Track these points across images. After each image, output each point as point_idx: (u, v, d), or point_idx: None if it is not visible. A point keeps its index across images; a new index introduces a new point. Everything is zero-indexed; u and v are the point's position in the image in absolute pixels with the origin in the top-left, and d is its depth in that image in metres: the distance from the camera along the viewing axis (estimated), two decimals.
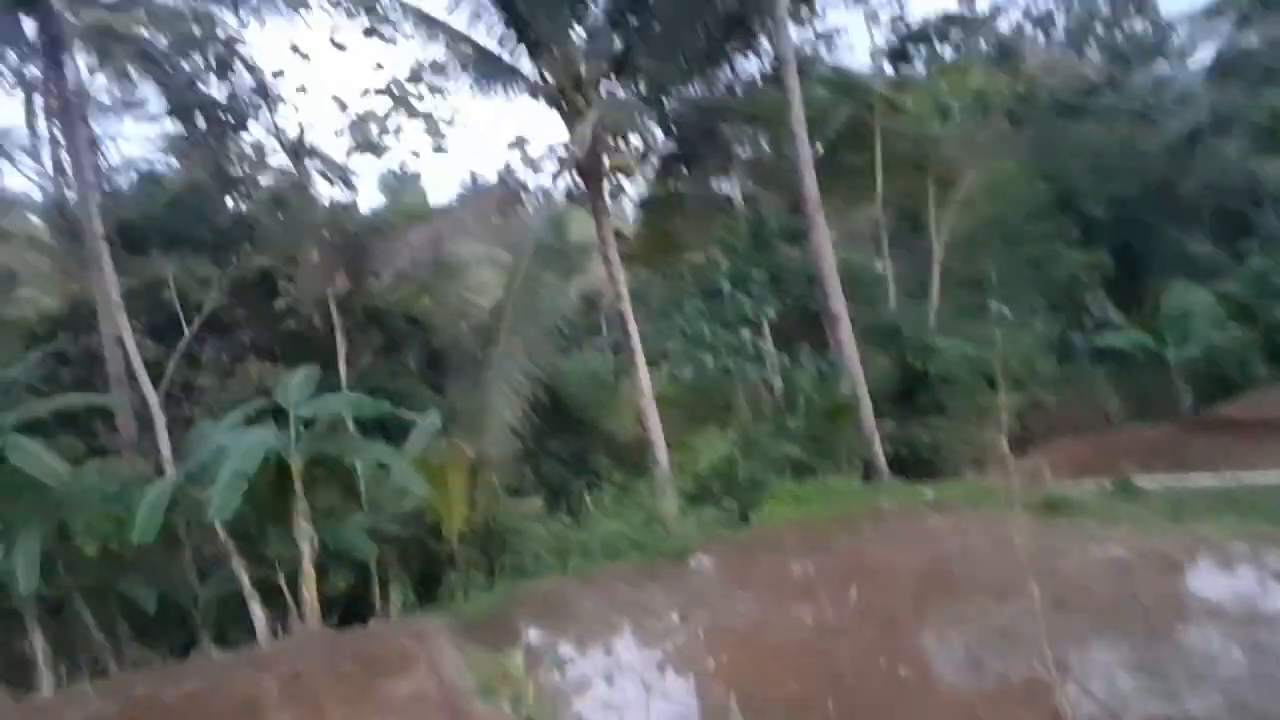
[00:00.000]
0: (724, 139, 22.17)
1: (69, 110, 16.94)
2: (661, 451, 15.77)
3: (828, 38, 24.24)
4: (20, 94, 18.75)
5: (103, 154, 20.11)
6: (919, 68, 25.21)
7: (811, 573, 11.45)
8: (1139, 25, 28.72)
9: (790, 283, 19.84)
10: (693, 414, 16.96)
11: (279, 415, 13.74)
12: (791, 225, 20.39)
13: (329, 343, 18.45)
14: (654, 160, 22.53)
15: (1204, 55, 28.43)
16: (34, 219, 21.86)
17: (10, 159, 19.37)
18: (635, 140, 21.06)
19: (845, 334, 17.15)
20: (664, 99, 21.01)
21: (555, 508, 15.57)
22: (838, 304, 17.42)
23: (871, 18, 24.68)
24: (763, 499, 14.57)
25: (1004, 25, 27.11)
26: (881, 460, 16.20)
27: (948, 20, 25.30)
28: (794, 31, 20.92)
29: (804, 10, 22.56)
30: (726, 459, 15.45)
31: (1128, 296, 24.15)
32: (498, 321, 17.17)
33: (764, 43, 20.66)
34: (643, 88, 19.54)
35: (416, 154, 23.95)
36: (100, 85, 19.90)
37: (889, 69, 25.03)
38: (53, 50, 16.28)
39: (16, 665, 12.59)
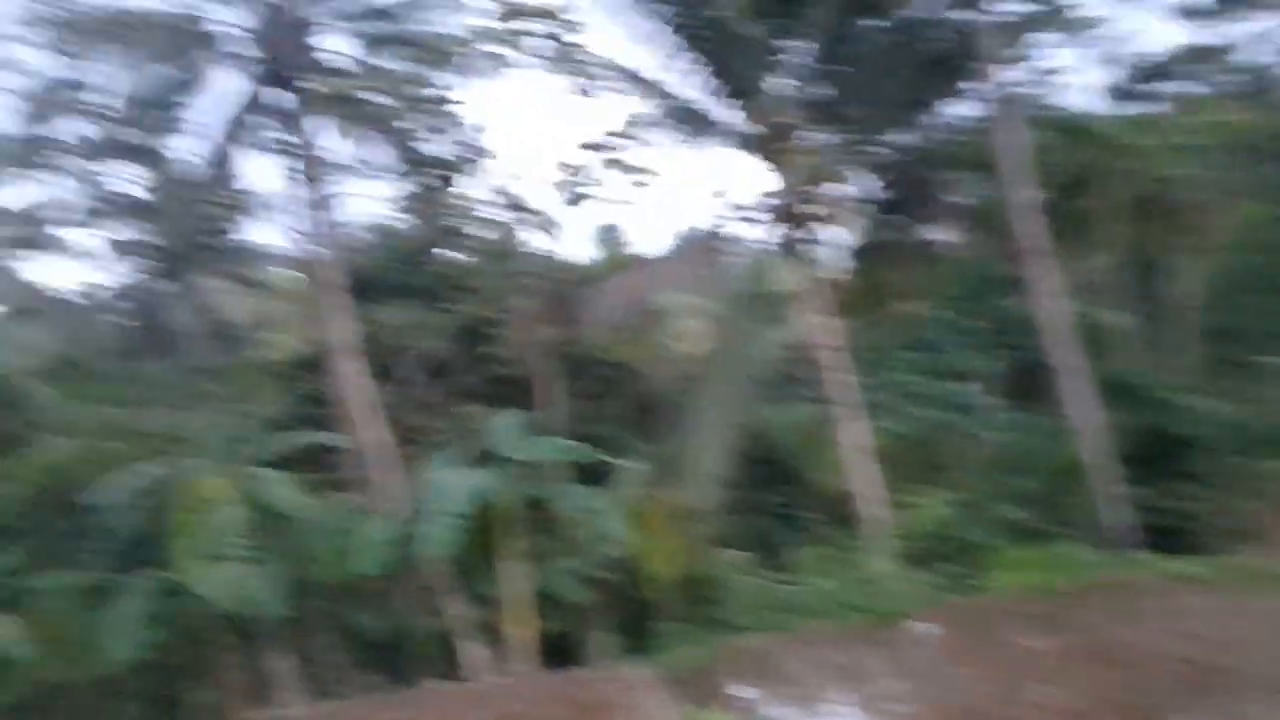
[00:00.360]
0: (935, 185, 21.40)
1: (314, 171, 18.42)
2: (873, 507, 15.11)
3: (1048, 76, 22.99)
4: (277, 159, 20.63)
5: (342, 210, 21.74)
6: (1157, 104, 23.42)
7: (1046, 650, 10.50)
8: None
9: (1010, 334, 18.73)
10: (905, 469, 16.16)
11: (492, 457, 14.22)
12: (1010, 273, 19.33)
13: (539, 388, 19.01)
14: (862, 208, 22.02)
15: None
16: (288, 271, 23.84)
17: (268, 219, 21.19)
18: (842, 187, 20.65)
19: (1075, 389, 15.97)
20: (872, 145, 20.55)
21: (762, 561, 15.18)
22: (1065, 357, 16.30)
23: (1100, 53, 23.22)
24: (984, 564, 13.61)
25: (1257, 56, 24.76)
26: (1121, 529, 14.80)
27: (1191, 53, 23.43)
28: (1009, 71, 19.99)
29: (1019, 49, 21.52)
30: (943, 519, 14.59)
31: None
32: (704, 370, 17.13)
33: (978, 85, 19.89)
34: (849, 134, 19.22)
35: (623, 205, 24.41)
36: (340, 147, 21.59)
37: (1121, 107, 23.40)
38: (301, 118, 17.83)
39: (259, 685, 13.46)
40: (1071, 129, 21.31)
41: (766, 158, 17.25)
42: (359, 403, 16.77)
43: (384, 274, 21.79)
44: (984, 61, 18.03)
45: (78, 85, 17.11)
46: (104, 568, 14.40)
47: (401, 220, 24.27)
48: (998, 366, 17.78)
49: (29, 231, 19.86)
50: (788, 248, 18.16)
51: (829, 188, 19.44)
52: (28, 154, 17.20)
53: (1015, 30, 19.61)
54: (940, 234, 22.56)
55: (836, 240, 22.86)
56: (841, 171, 19.67)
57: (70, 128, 17.22)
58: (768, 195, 18.02)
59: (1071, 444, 15.49)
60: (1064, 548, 13.57)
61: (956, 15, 18.68)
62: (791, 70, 17.90)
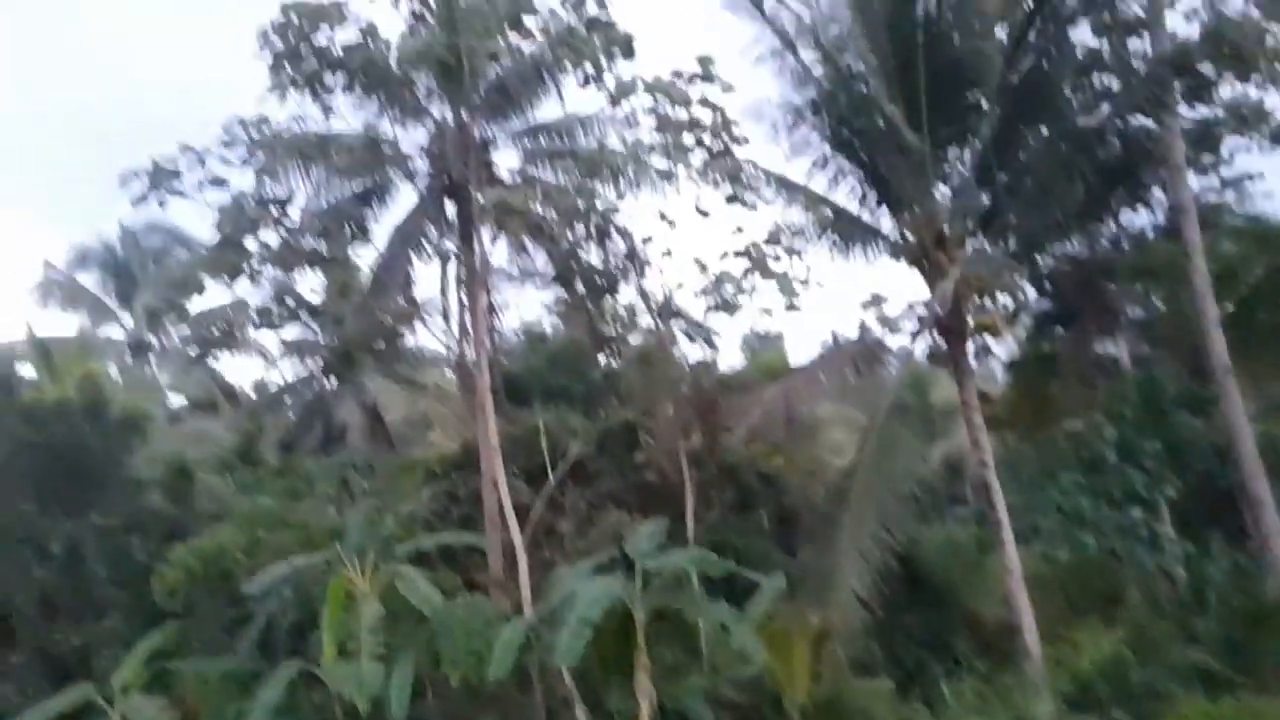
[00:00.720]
0: (1108, 296, 20.23)
1: (474, 278, 19.26)
2: (1033, 641, 13.89)
3: (1237, 184, 21.56)
4: (437, 264, 21.78)
5: (498, 315, 22.60)
6: None
7: None
8: None
9: (1193, 457, 17.20)
10: (1071, 601, 14.87)
11: (628, 565, 13.99)
12: (1193, 392, 17.88)
13: (681, 496, 18.74)
14: (1025, 319, 21.03)
15: None
16: (446, 373, 24.92)
17: (425, 322, 22.26)
18: (1003, 298, 19.81)
19: (1271, 522, 14.39)
20: (1037, 255, 19.71)
21: (907, 692, 14.12)
22: (1258, 485, 14.81)
23: None
24: (1161, 713, 12.17)
25: None
26: None
27: None
28: (1194, 179, 18.88)
29: (1206, 156, 20.32)
30: (1115, 659, 13.19)
31: None
32: (851, 483, 16.47)
33: (1156, 192, 18.86)
34: (1012, 243, 18.50)
35: (771, 313, 24.32)
36: (500, 255, 22.58)
37: None
38: (464, 226, 18.80)
39: None
40: (1263, 238, 19.83)
41: (924, 267, 16.79)
42: (501, 504, 16.99)
43: (535, 377, 22.38)
44: (1168, 168, 17.18)
45: (273, 199, 18.73)
46: (253, 655, 14.98)
47: (555, 325, 25.02)
48: (1175, 492, 16.27)
49: (218, 331, 21.56)
50: (945, 359, 17.49)
51: (990, 298, 18.73)
52: (223, 261, 18.77)
53: (1205, 135, 18.66)
54: (1112, 348, 21.24)
55: (998, 353, 21.91)
56: (1004, 282, 18.92)
57: (262, 236, 18.74)
58: (925, 304, 17.50)
59: (1263, 582, 13.86)
60: (1259, 704, 11.96)
61: (1137, 121, 17.99)
62: (952, 178, 17.57)
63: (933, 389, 24.71)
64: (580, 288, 23.13)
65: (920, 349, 18.96)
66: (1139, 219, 19.80)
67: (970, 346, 17.38)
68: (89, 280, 33.39)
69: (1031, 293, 20.51)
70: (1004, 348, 21.67)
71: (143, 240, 33.23)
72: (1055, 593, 14.81)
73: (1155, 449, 16.51)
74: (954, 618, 16.10)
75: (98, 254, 33.37)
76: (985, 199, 17.28)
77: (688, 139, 19.39)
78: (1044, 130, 17.39)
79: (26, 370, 23.38)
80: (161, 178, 18.60)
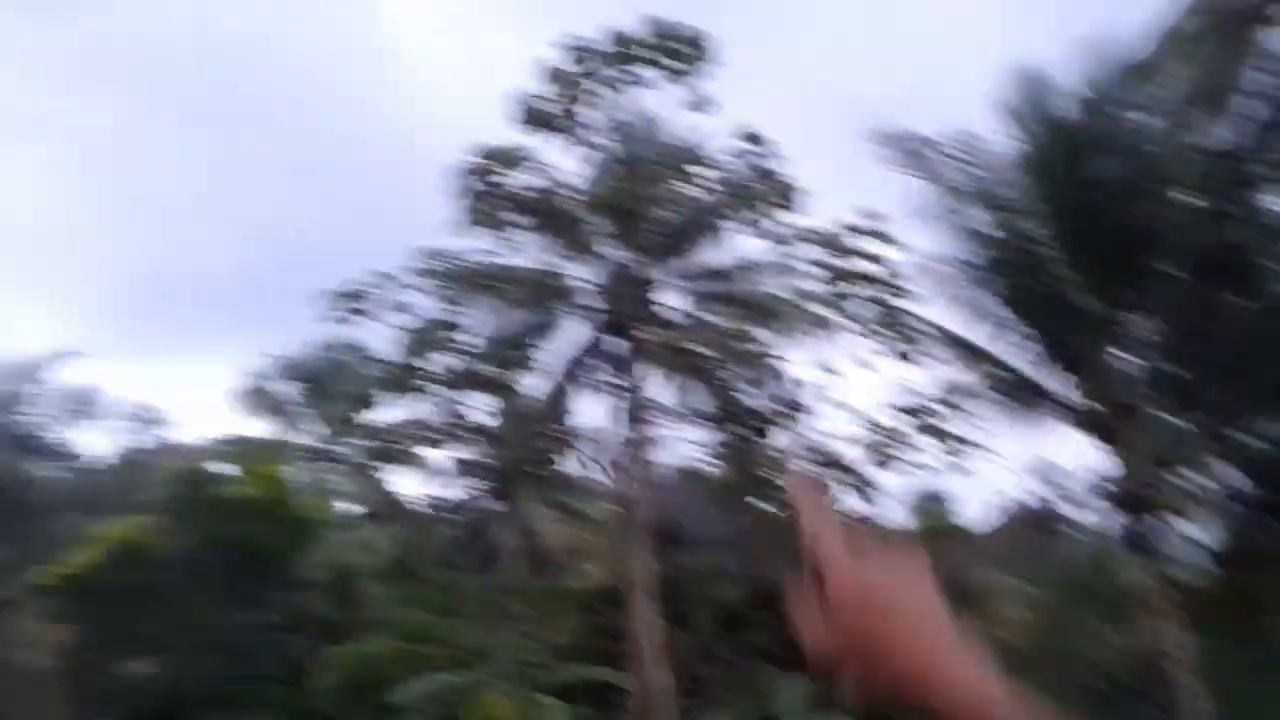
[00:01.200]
0: None
1: (638, 413, 19.56)
2: None
3: None
4: (606, 398, 22.25)
5: (659, 452, 22.70)
6: None
7: None
8: None
9: None
10: None
11: None
12: None
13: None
14: (1225, 503, 19.36)
15: None
16: (603, 504, 25.06)
17: (593, 453, 22.60)
18: (1199, 478, 18.40)
19: None
20: (1235, 431, 18.32)
21: None
22: None
23: None
24: None
25: None
26: None
27: None
28: None
29: None
30: None
31: None
32: (1020, 663, 15.25)
33: None
34: (1207, 417, 17.31)
35: (942, 474, 23.52)
36: (665, 393, 22.87)
37: None
38: (630, 364, 19.25)
39: None
40: None
41: (1105, 437, 15.90)
42: (648, 643, 16.65)
43: (691, 518, 22.14)
44: None
45: (450, 325, 19.87)
46: None
47: (714, 466, 24.85)
48: None
49: (393, 446, 22.60)
50: (1132, 539, 16.27)
51: (1182, 477, 17.47)
52: (403, 380, 19.91)
53: None
54: None
55: (1193, 538, 20.16)
56: (1198, 459, 17.64)
57: (439, 360, 19.81)
58: (1107, 479, 16.48)
59: None
60: None
61: None
62: (1135, 344, 16.76)
63: (1118, 569, 22.85)
64: (741, 430, 23.13)
65: (1106, 526, 17.77)
66: None
67: (1161, 528, 16.16)
68: (282, 387, 36.02)
69: (1233, 475, 19.01)
70: (1209, 534, 19.99)
71: (333, 354, 35.72)
72: None
73: None
74: None
75: (292, 364, 36.06)
76: (1175, 368, 16.38)
77: (855, 289, 19.44)
78: (1237, 299, 16.46)
79: (221, 467, 25.08)
80: (353, 299, 20.12)
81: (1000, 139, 17.08)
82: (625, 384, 19.53)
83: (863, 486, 22.95)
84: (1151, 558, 15.48)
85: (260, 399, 34.93)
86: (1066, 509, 20.16)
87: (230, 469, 24.41)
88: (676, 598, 19.26)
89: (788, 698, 13.76)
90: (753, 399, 22.66)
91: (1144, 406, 15.72)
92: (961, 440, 23.26)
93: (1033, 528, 20.28)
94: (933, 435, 23.63)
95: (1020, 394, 17.39)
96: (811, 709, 13.66)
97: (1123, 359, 16.25)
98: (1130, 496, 15.53)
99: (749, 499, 23.66)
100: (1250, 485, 18.91)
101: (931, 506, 26.64)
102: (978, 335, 17.60)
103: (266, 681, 17.42)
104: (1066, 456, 19.00)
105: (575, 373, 19.74)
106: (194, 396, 68.52)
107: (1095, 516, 18.55)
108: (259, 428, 34.42)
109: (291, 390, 36.20)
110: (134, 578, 18.41)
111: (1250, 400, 16.91)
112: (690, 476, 25.19)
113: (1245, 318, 16.05)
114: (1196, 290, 15.75)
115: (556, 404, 20.28)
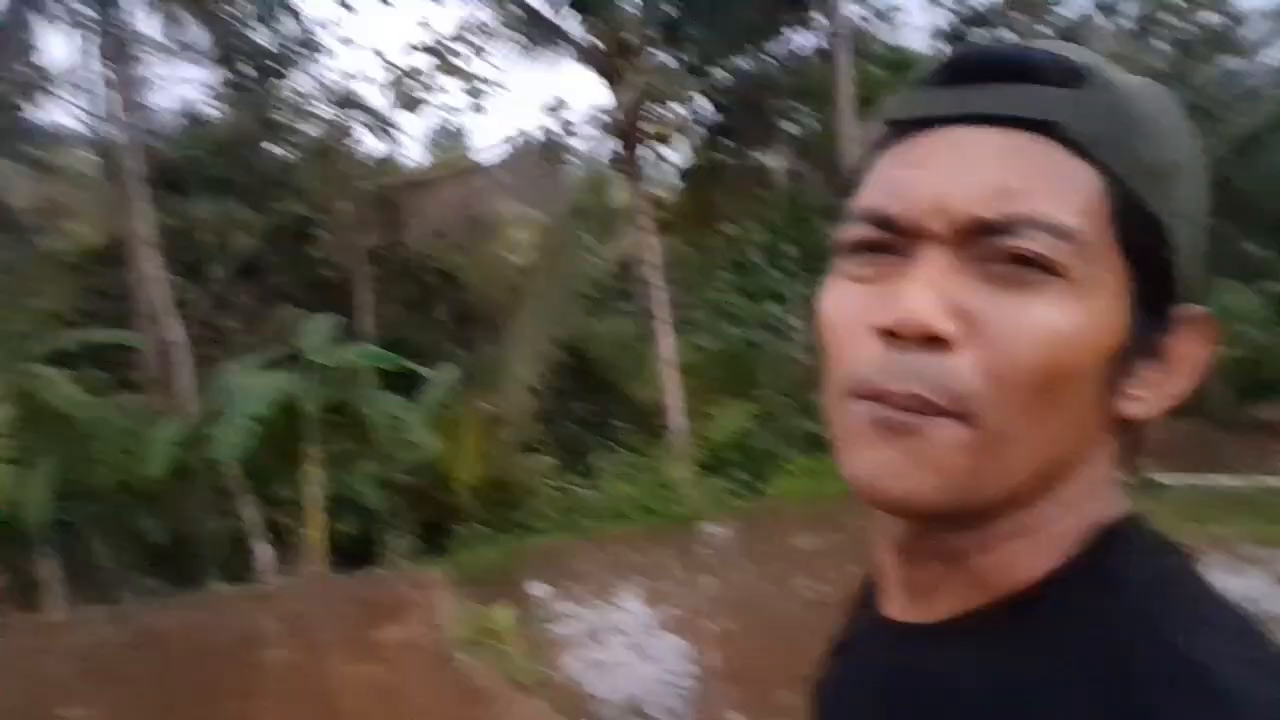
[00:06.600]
0: (770, 112, 21.81)
1: (119, 50, 17.08)
2: (678, 418, 15.60)
3: (886, 15, 23.65)
4: (75, 33, 18.96)
5: (149, 94, 20.29)
6: None
7: (816, 547, 11.22)
8: (1211, 17, 27.52)
9: (826, 260, 19.36)
10: (714, 383, 16.72)
11: (298, 361, 13.84)
12: (833, 203, 19.96)
13: (357, 293, 18.51)
14: (697, 130, 22.25)
15: (1277, 53, 27.30)
16: (83, 155, 22.14)
17: (62, 96, 19.59)
18: (678, 108, 20.82)
19: None
20: (711, 69, 20.74)
21: (568, 468, 15.48)
22: None
23: None
24: (776, 472, 14.34)
25: (1070, 11, 26.08)
26: None
27: (1010, 3, 24.50)
28: (850, 6, 20.44)
29: None
30: (742, 430, 15.22)
31: None
32: (528, 281, 17.08)
33: (819, 17, 20.27)
34: (691, 56, 19.32)
35: (457, 111, 23.92)
36: (152, 27, 20.05)
37: (944, 49, 24.31)
38: None
39: (28, 588, 12.84)
40: (900, 66, 22.02)
41: (605, 73, 17.14)
42: (157, 300, 15.90)
43: (195, 165, 20.50)
44: None
45: None
46: None
47: (219, 110, 22.86)
48: (809, 290, 18.41)
49: None
50: (621, 164, 18.22)
51: (665, 108, 19.63)
52: None
53: None
54: (770, 160, 23.07)
55: (668, 160, 23.15)
56: (679, 92, 19.83)
57: None
58: (604, 110, 18.02)
59: None
60: None
61: None
62: None
63: (610, 192, 25.68)
64: (248, 70, 21.36)
65: (600, 153, 19.64)
66: (803, 40, 21.32)
67: (645, 153, 18.29)
68: None
69: (704, 105, 21.74)
70: (679, 156, 22.97)
71: None
72: (702, 377, 16.54)
73: (794, 252, 18.46)
74: (615, 402, 17.59)
75: None
76: (668, 10, 17.76)
77: None
78: None
79: None
80: None
81: None
82: (103, 15, 16.71)
83: (383, 127, 22.77)
84: (636, 180, 17.53)
85: None
86: (571, 141, 21.88)
87: None
88: (186, 250, 18.32)
89: (310, 334, 14.17)
90: (260, 36, 20.79)
91: (642, 46, 16.99)
92: (480, 79, 23.65)
93: (541, 159, 21.78)
94: (452, 74, 23.70)
95: (532, 30, 17.88)
96: (334, 342, 14.27)
97: (629, 2, 17.21)
98: (623, 127, 17.14)
99: (263, 144, 22.40)
100: (716, 113, 21.89)
101: (449, 144, 27.30)
102: None
103: None
104: (574, 93, 20.27)
105: (36, 2, 16.42)
106: None
107: (593, 145, 20.30)
108: None
109: None
110: None
111: (726, 39, 19.07)
112: (191, 119, 23.00)
113: None
114: None
115: (10, 39, 16.95)
